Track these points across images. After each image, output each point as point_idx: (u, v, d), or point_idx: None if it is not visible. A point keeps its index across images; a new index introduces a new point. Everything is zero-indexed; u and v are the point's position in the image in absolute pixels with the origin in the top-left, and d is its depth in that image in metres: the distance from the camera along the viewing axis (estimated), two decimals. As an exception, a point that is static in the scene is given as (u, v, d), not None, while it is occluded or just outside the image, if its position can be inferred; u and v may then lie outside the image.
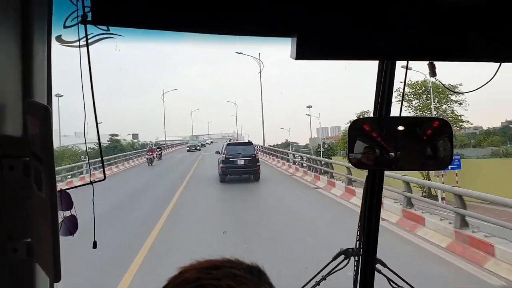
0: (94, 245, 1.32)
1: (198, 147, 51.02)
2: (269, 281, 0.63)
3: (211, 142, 75.40)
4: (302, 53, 1.04)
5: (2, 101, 1.03)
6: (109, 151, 40.74)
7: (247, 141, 24.49)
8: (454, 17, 1.07)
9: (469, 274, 7.05)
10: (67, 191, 1.15)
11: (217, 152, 22.07)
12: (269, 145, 43.68)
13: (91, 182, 1.24)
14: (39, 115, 0.97)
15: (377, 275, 1.92)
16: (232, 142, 25.71)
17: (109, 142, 46.21)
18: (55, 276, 0.97)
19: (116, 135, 49.00)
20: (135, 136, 59.36)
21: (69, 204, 1.14)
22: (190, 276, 0.58)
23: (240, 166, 19.68)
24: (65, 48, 1.11)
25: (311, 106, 54.99)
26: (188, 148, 50.76)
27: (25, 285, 1.12)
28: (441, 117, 21.92)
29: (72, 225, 1.16)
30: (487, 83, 1.41)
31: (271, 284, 0.63)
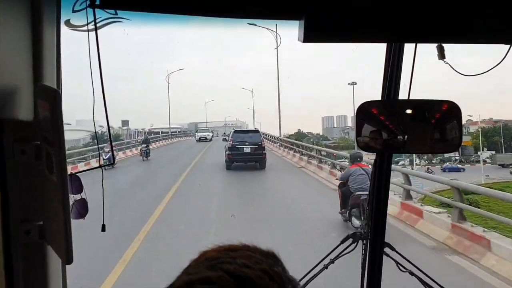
0: (103, 228, 1.34)
1: None
2: (283, 266, 0.68)
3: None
4: (310, 36, 1.02)
5: (13, 86, 1.03)
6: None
7: (254, 129, 24.40)
8: None
9: None
10: (77, 174, 1.17)
11: (224, 139, 22.11)
12: (286, 136, 36.99)
13: (100, 166, 1.26)
14: (50, 99, 0.98)
15: (385, 258, 1.93)
16: (239, 129, 25.36)
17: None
18: (67, 258, 0.99)
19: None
20: (124, 123, 45.18)
21: (79, 188, 1.16)
22: (210, 255, 0.66)
23: (246, 153, 19.65)
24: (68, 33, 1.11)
25: (355, 83, 44.78)
26: None
27: (38, 267, 1.14)
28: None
29: (82, 208, 1.17)
30: (497, 65, 1.38)
31: (284, 268, 0.67)
